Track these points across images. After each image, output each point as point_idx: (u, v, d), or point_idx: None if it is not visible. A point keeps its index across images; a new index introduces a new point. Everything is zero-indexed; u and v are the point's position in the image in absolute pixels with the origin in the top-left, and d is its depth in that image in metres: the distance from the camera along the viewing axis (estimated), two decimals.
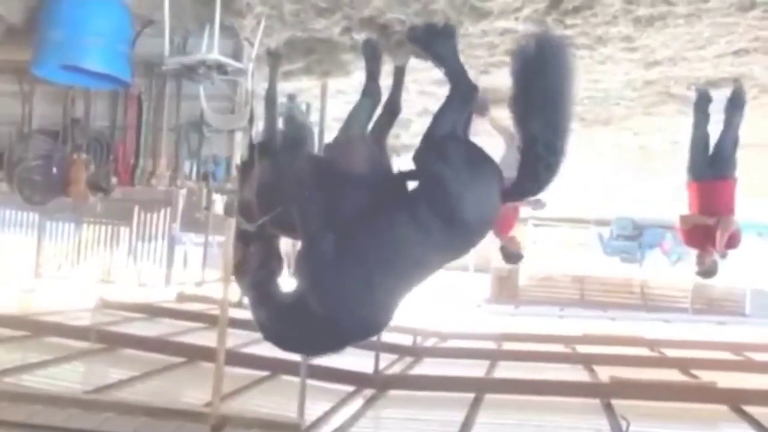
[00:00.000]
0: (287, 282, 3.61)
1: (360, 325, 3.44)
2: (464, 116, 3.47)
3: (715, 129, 5.32)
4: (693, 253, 5.49)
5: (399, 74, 3.88)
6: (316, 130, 5.31)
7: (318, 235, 3.35)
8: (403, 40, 3.98)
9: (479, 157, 3.32)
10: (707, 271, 5.32)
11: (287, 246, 3.97)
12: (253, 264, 3.66)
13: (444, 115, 3.41)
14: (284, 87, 5.26)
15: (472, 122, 3.60)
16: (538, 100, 3.18)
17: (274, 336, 3.64)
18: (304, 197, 3.41)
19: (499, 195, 3.28)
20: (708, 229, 5.23)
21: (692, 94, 5.48)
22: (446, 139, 3.34)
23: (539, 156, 3.19)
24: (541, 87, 3.17)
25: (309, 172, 3.53)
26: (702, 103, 5.35)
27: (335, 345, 3.66)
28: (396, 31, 4.20)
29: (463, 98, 3.45)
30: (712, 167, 5.27)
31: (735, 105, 5.21)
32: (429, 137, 3.37)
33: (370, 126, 3.68)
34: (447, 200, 3.20)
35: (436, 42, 3.60)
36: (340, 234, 3.31)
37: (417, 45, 3.69)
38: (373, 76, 3.78)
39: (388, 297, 3.35)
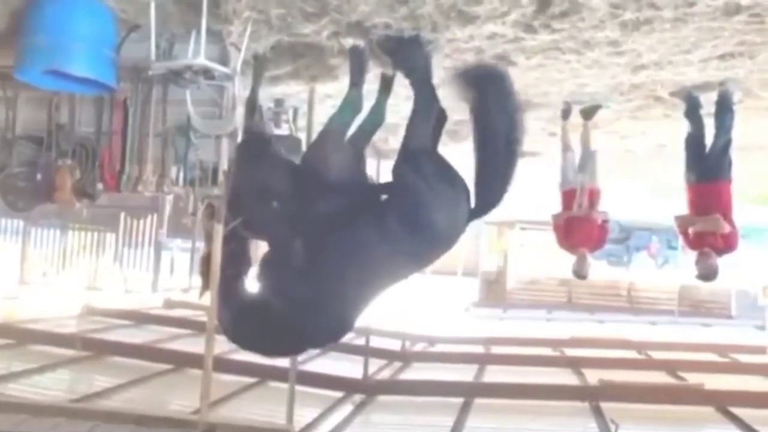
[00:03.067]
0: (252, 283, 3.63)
1: (322, 330, 3.48)
2: (432, 126, 3.53)
3: (707, 133, 5.35)
4: (679, 256, 5.52)
5: (386, 84, 3.87)
6: (302, 135, 5.30)
7: (284, 239, 3.38)
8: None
9: (450, 171, 3.41)
10: (706, 274, 5.30)
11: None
12: (222, 263, 3.68)
13: (414, 127, 3.49)
14: (272, 91, 5.25)
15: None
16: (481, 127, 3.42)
17: (235, 335, 3.65)
18: (273, 202, 3.45)
19: (468, 210, 3.38)
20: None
21: (678, 101, 5.53)
22: (419, 152, 3.43)
23: (489, 173, 3.40)
24: (483, 113, 3.42)
25: (281, 177, 3.55)
26: (693, 110, 5.38)
27: (296, 348, 3.72)
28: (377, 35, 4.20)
29: (427, 107, 3.52)
30: (706, 170, 5.29)
31: (723, 108, 5.24)
32: (403, 150, 3.46)
33: (351, 133, 3.69)
34: (418, 211, 3.26)
35: (403, 51, 3.64)
36: (307, 239, 3.34)
37: (385, 53, 3.75)
38: (356, 83, 3.78)
39: (353, 303, 3.40)
